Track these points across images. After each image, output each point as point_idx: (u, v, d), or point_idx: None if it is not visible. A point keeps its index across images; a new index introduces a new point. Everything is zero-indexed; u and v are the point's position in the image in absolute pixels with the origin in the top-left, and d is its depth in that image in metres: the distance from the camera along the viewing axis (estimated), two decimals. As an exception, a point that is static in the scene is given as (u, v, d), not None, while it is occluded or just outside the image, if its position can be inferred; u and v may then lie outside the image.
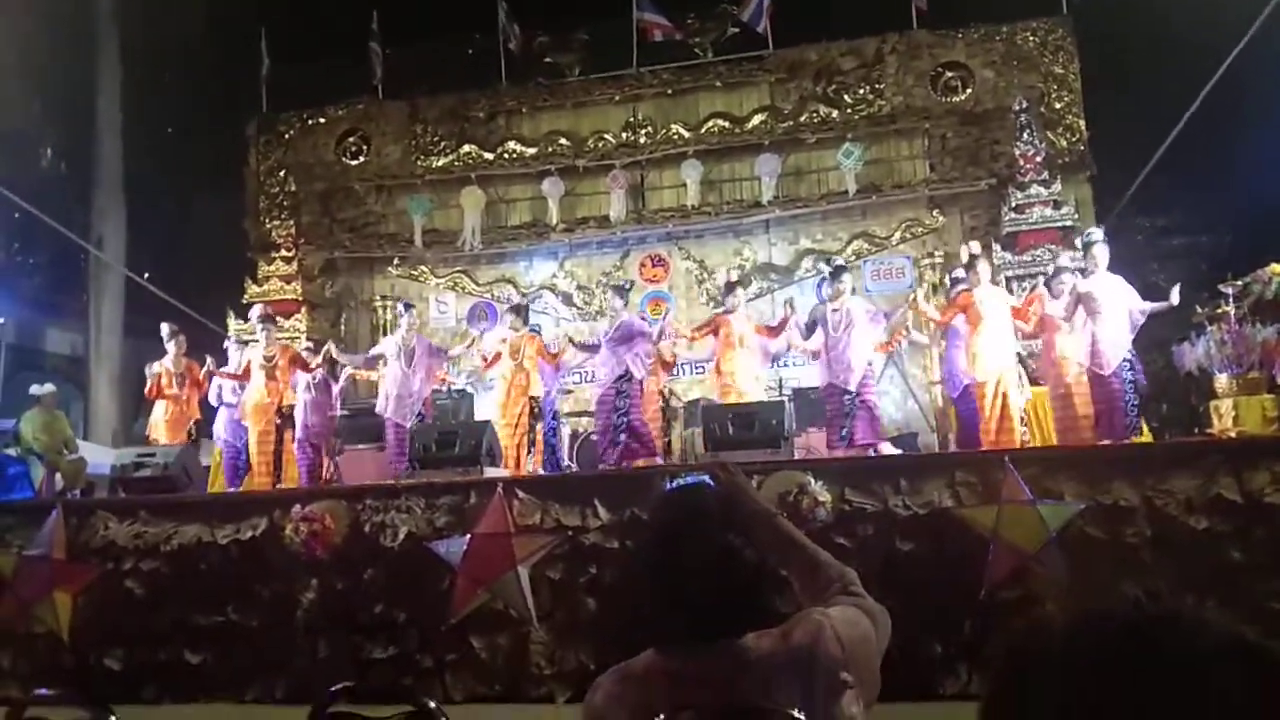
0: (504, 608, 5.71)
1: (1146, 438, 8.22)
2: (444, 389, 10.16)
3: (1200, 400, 8.31)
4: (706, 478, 1.84)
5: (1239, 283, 8.05)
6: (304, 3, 14.57)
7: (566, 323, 12.05)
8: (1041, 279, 8.81)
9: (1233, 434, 6.67)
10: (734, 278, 10.57)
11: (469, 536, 5.74)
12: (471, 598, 5.69)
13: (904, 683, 3.21)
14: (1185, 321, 8.41)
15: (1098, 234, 7.64)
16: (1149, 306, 7.24)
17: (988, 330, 7.48)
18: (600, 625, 5.61)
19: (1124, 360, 7.08)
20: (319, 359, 9.22)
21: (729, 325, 8.29)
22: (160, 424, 8.91)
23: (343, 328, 12.69)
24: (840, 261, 9.92)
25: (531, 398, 8.53)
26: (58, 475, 9.39)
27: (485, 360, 9.06)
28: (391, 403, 8.58)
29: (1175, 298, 7.22)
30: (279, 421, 8.81)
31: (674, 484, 1.80)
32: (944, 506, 5.46)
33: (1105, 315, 7.14)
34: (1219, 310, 7.94)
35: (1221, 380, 7.34)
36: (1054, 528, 5.15)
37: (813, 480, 5.52)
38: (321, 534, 5.98)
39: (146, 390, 9.08)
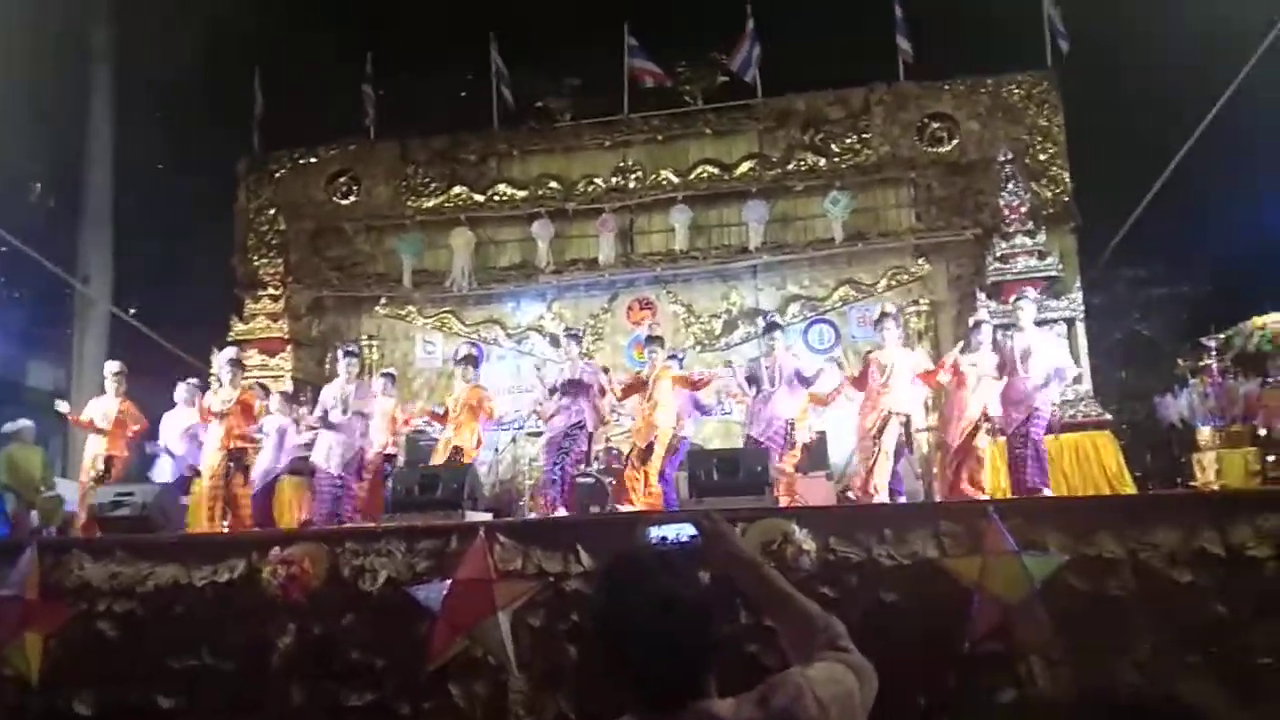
0: (483, 655, 5.62)
1: (1130, 489, 8.22)
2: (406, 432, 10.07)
3: (1183, 452, 8.32)
4: (690, 527, 1.82)
5: (1221, 335, 8.11)
6: (298, 43, 14.66)
7: (553, 364, 12.00)
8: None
9: (1215, 487, 6.68)
10: (777, 319, 10.16)
11: (449, 582, 5.66)
12: (451, 644, 5.60)
13: (887, 737, 3.16)
14: (1168, 373, 8.46)
15: (1030, 292, 7.77)
16: (1065, 371, 7.41)
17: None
18: (581, 674, 5.52)
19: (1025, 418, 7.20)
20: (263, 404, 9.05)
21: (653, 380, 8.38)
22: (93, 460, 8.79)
23: (328, 367, 12.60)
24: (775, 319, 9.55)
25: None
26: (33, 513, 9.27)
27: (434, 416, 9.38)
28: (331, 456, 8.27)
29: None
30: (230, 465, 8.45)
31: (657, 535, 1.77)
32: (928, 557, 5.43)
33: (1025, 372, 7.27)
34: (1201, 363, 7.99)
35: (1204, 433, 7.38)
36: (1038, 579, 5.12)
37: (797, 529, 5.47)
38: (300, 577, 5.89)
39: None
